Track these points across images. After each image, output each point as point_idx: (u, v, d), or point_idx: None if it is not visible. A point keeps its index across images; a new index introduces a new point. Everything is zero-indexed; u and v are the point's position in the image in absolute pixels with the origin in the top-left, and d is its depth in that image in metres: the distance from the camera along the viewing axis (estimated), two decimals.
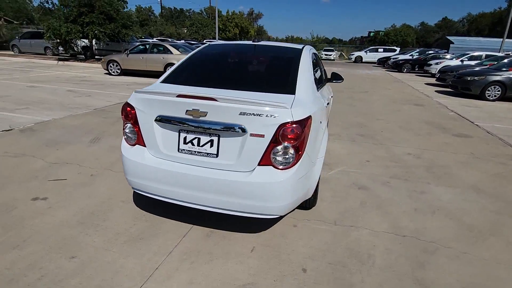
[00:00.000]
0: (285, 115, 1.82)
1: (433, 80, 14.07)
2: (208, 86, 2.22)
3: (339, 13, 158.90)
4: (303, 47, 2.81)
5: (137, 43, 13.13)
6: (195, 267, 1.97)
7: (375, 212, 2.73)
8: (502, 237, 2.44)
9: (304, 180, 2.05)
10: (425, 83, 13.70)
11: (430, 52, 21.32)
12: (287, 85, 2.21)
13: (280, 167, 1.89)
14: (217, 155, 1.95)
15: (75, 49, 16.22)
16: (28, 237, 2.19)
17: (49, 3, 24.46)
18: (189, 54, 2.83)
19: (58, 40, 14.97)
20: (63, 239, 2.19)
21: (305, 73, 2.41)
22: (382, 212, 2.73)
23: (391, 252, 2.20)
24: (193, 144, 1.98)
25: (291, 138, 1.85)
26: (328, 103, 2.80)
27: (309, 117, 1.98)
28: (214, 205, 2.00)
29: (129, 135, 2.18)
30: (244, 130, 1.84)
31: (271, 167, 1.89)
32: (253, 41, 2.98)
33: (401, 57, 22.08)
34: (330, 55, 31.76)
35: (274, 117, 1.81)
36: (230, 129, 1.86)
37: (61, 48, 16.10)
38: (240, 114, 1.82)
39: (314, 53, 3.09)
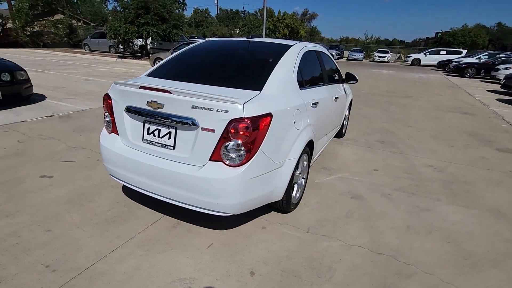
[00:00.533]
0: (236, 111, 1.77)
1: (498, 87, 12.32)
2: (184, 80, 2.26)
3: (401, 12, 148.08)
4: (293, 45, 2.70)
5: (182, 43, 13.88)
6: (147, 255, 2.03)
7: (358, 224, 2.50)
8: (506, 271, 2.04)
9: (260, 181, 1.97)
10: (487, 90, 12.07)
11: (501, 55, 18.66)
12: (256, 81, 2.14)
13: (230, 163, 1.84)
14: (174, 147, 1.98)
15: (133, 47, 17.77)
16: (22, 208, 2.48)
17: (119, 6, 27.48)
18: (182, 50, 2.92)
19: (118, 39, 16.56)
20: (49, 213, 2.43)
21: (282, 70, 2.31)
22: (367, 225, 2.49)
23: (356, 269, 1.99)
24: (154, 135, 2.04)
25: (242, 135, 1.79)
26: (316, 103, 2.63)
27: (268, 115, 1.89)
28: (169, 196, 2.03)
29: (107, 123, 2.33)
30: (195, 124, 1.83)
31: (221, 163, 1.86)
32: (247, 38, 2.95)
33: (466, 60, 19.73)
34: (384, 57, 29.78)
35: (225, 112, 1.77)
36: (184, 122, 1.87)
37: (121, 47, 17.78)
38: (192, 107, 1.82)
39: (310, 51, 2.93)
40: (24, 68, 5.88)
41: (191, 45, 3.01)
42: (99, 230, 2.26)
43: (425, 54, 27.43)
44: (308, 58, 2.84)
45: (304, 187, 2.81)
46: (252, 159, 1.86)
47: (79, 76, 10.23)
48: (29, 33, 22.39)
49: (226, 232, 2.31)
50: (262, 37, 3.04)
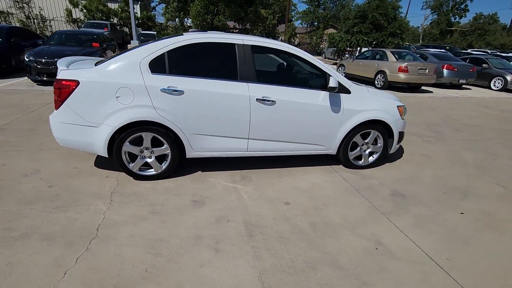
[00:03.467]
0: (58, 75, 2.66)
1: None
2: None
3: None
4: (172, 37, 2.87)
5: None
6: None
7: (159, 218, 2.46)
8: None
9: (71, 128, 2.70)
10: None
11: None
12: (102, 62, 2.78)
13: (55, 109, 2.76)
14: None
15: (346, 55, 18.74)
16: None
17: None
18: None
19: (334, 48, 18.14)
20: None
21: (131, 56, 2.73)
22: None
23: None
24: None
25: (54, 91, 2.66)
26: (181, 91, 2.64)
27: (74, 81, 2.59)
28: None
29: None
30: None
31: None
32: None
33: None
34: None
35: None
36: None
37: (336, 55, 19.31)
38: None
39: (198, 44, 2.80)
40: None
41: None
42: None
43: None
44: (188, 51, 2.82)
45: (166, 168, 2.97)
46: (59, 109, 2.67)
47: None
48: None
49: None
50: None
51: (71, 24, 22.34)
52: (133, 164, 2.90)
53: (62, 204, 2.47)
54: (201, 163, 3.39)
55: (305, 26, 31.57)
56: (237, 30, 26.59)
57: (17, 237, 2.06)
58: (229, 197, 2.79)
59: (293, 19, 32.79)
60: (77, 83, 2.61)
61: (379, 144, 3.55)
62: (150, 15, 23.76)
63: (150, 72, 2.73)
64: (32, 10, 22.11)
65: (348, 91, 3.27)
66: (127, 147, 2.81)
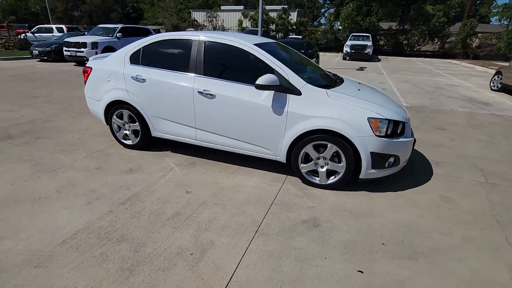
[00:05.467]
0: (87, 63, 3.90)
1: None
2: None
3: None
4: (153, 35, 3.42)
5: None
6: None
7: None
8: None
9: (91, 100, 3.87)
10: None
11: None
12: (110, 54, 3.76)
13: None
14: None
15: None
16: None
17: None
18: None
19: None
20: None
21: (123, 50, 3.56)
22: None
23: None
24: None
25: (83, 72, 3.89)
26: (144, 79, 3.29)
27: (89, 67, 3.73)
28: None
29: None
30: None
31: None
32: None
33: None
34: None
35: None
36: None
37: None
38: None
39: (169, 40, 3.23)
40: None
41: None
42: None
43: None
44: (158, 46, 3.29)
45: (139, 141, 3.69)
46: (85, 86, 3.89)
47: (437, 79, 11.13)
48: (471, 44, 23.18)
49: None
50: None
51: (240, 32, 27.13)
52: (118, 133, 3.81)
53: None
54: (186, 147, 3.82)
55: (504, 23, 24.19)
56: (393, 32, 23.96)
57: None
58: (157, 173, 3.19)
59: (487, 15, 25.79)
60: (91, 69, 3.75)
61: (342, 163, 2.85)
62: (302, 21, 25.26)
63: (129, 63, 3.51)
64: (217, 23, 28.50)
65: (298, 92, 2.85)
66: (114, 119, 3.73)
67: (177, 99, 3.26)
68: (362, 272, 1.95)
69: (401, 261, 2.06)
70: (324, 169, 2.94)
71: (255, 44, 3.08)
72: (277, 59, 2.99)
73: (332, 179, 2.95)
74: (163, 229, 2.30)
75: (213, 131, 3.24)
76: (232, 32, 3.80)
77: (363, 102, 2.83)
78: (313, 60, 11.33)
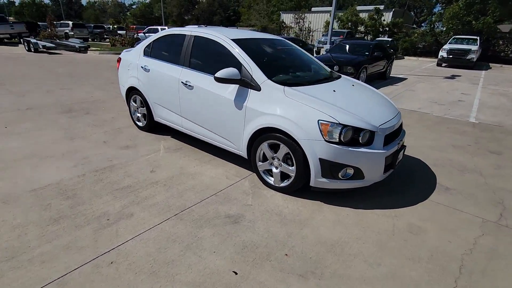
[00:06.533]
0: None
1: None
2: None
3: None
4: (162, 31, 3.80)
5: None
6: None
7: None
8: None
9: (120, 86, 4.61)
10: None
11: None
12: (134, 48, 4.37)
13: None
14: None
15: None
16: None
17: None
18: None
19: None
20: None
21: (141, 44, 4.10)
22: None
23: None
24: None
25: (117, 62, 4.63)
26: (148, 69, 3.71)
27: (120, 58, 4.43)
28: None
29: None
30: None
31: None
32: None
33: None
34: None
35: None
36: None
37: None
38: None
39: (171, 35, 3.50)
40: None
41: None
42: None
43: None
44: (163, 40, 3.66)
45: (146, 124, 4.21)
46: (118, 74, 4.63)
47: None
48: None
49: None
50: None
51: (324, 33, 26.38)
52: (134, 115, 4.42)
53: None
54: (184, 134, 4.19)
55: None
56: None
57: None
58: (143, 152, 3.60)
59: None
60: (120, 59, 4.44)
61: (293, 166, 2.66)
62: (397, 21, 22.85)
63: (143, 55, 4.03)
64: (304, 24, 28.44)
65: (258, 88, 2.79)
66: (131, 103, 4.35)
67: (168, 88, 3.60)
68: (236, 273, 1.86)
69: (288, 276, 1.86)
70: (277, 171, 2.81)
71: (233, 39, 3.14)
72: (250, 54, 2.99)
73: (285, 182, 2.79)
74: (106, 196, 2.65)
75: (193, 120, 3.45)
76: (224, 28, 3.93)
77: (320, 103, 2.57)
78: (383, 64, 10.32)
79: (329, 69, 3.76)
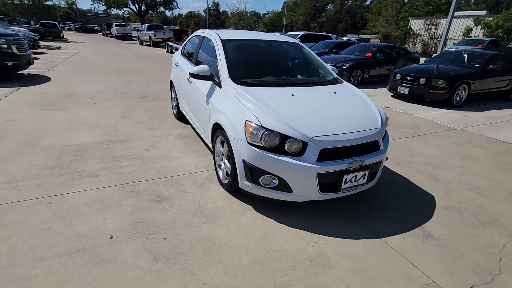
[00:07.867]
0: None
1: None
2: None
3: None
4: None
5: None
6: None
7: None
8: None
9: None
10: None
11: None
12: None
13: None
14: None
15: None
16: None
17: None
18: None
19: None
20: None
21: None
22: None
23: None
24: None
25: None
26: (177, 64, 4.32)
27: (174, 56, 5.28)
28: None
29: None
30: None
31: None
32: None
33: None
34: None
35: None
36: None
37: None
38: None
39: (198, 36, 3.94)
40: None
41: None
42: None
43: None
44: (191, 41, 4.13)
45: (176, 112, 4.88)
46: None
47: None
48: None
49: None
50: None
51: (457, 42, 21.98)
52: (172, 105, 5.17)
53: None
54: None
55: None
56: None
57: None
58: (161, 136, 4.23)
59: None
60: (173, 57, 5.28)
61: (231, 164, 2.66)
62: None
63: (180, 53, 4.69)
64: (436, 31, 24.47)
65: (220, 85, 2.91)
66: (172, 94, 5.12)
67: (183, 82, 4.11)
68: (112, 237, 2.11)
69: (145, 254, 1.98)
70: (223, 166, 2.85)
71: (223, 39, 3.34)
72: (229, 54, 3.13)
73: (226, 180, 2.80)
74: (97, 159, 3.36)
75: (193, 113, 3.83)
76: (235, 30, 4.09)
77: (258, 104, 2.46)
78: (505, 81, 7.88)
79: (334, 75, 3.41)
